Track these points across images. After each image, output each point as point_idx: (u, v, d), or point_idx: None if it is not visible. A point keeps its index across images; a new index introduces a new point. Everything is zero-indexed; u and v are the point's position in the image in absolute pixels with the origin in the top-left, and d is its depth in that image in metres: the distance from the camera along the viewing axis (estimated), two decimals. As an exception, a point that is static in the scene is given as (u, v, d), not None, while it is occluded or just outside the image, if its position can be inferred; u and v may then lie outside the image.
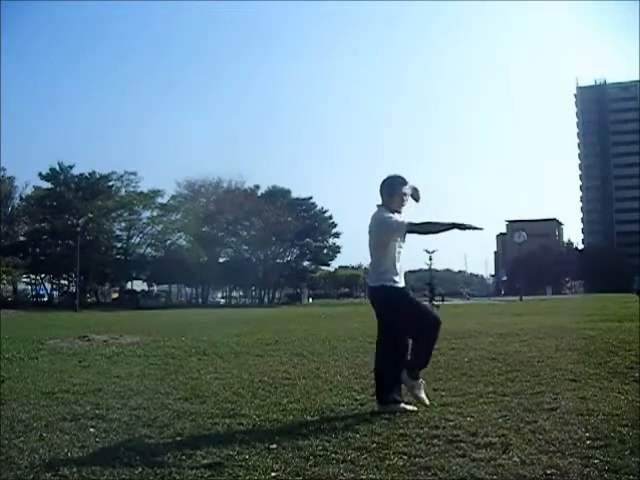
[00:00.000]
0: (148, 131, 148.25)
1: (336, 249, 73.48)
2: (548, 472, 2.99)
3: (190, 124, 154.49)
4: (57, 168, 59.74)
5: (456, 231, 4.39)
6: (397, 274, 4.57)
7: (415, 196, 5.07)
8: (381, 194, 4.71)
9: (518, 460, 3.17)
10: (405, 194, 4.72)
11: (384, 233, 4.56)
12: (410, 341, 4.60)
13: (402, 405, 4.47)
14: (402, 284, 4.60)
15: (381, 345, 4.68)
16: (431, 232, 4.55)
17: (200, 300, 66.87)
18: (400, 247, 4.61)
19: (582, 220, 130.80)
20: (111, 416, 4.51)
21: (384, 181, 4.72)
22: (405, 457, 3.30)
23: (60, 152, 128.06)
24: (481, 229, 4.47)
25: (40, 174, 59.55)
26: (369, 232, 4.70)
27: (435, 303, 31.31)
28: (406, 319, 4.53)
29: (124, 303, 54.74)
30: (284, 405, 4.79)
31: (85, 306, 49.98)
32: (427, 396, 4.63)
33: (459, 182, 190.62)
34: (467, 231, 4.40)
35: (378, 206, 4.70)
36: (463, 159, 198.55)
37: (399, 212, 4.66)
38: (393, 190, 4.67)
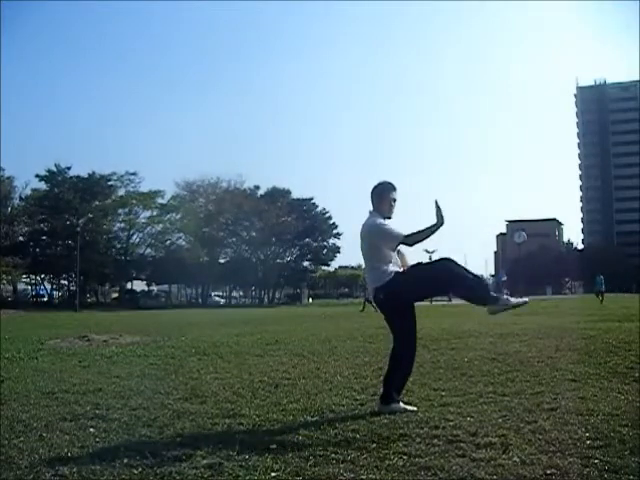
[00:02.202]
0: (148, 131, 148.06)
1: (336, 249, 73.60)
2: (548, 472, 2.99)
3: (190, 124, 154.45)
4: (54, 169, 59.73)
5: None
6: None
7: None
8: (372, 200, 4.78)
9: (518, 460, 3.16)
10: (394, 199, 4.78)
11: (379, 240, 4.60)
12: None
13: (402, 405, 4.48)
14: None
15: (393, 344, 4.67)
16: (420, 241, 4.54)
17: (200, 300, 66.88)
18: (393, 252, 4.67)
19: (582, 220, 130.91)
20: (111, 416, 4.50)
21: (374, 188, 4.79)
22: (405, 457, 3.29)
23: (60, 152, 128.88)
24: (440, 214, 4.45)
25: (37, 175, 59.56)
26: (362, 237, 4.72)
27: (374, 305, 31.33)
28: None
29: (124, 303, 54.78)
30: (284, 405, 4.79)
31: (85, 306, 50.04)
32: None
33: (459, 182, 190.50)
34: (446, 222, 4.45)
35: (370, 212, 4.77)
36: (463, 159, 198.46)
37: (389, 217, 4.73)
38: (382, 195, 4.75)
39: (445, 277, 4.39)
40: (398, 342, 4.64)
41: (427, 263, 4.81)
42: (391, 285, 4.47)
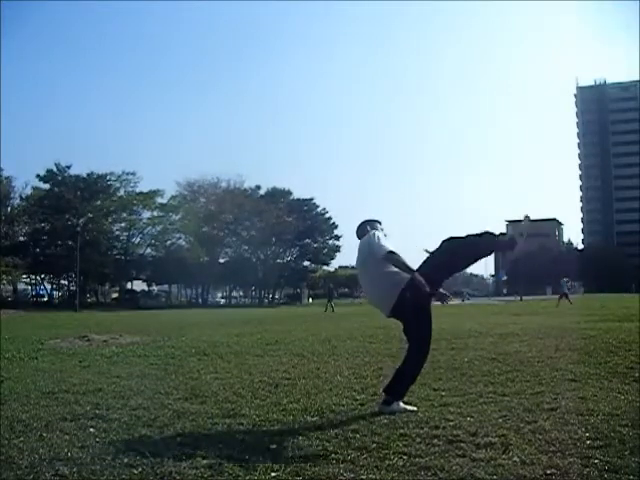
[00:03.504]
0: (148, 131, 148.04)
1: (336, 249, 73.66)
2: (548, 472, 2.99)
3: (190, 124, 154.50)
4: (54, 169, 59.67)
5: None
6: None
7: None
8: (359, 233, 4.89)
9: (518, 460, 3.17)
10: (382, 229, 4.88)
11: (377, 245, 4.56)
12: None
13: (402, 405, 4.48)
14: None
15: (411, 346, 4.65)
16: (394, 266, 4.51)
17: (200, 300, 66.86)
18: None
19: (582, 220, 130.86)
20: (111, 416, 4.50)
21: (362, 223, 4.92)
22: (405, 457, 3.29)
23: (60, 152, 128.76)
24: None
25: (38, 175, 59.48)
26: (365, 252, 4.70)
27: (332, 305, 32.55)
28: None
29: (124, 303, 54.75)
30: (284, 405, 4.79)
31: (85, 306, 50.02)
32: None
33: (459, 182, 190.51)
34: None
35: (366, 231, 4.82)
36: (463, 159, 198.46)
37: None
38: (373, 225, 4.88)
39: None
40: (416, 344, 4.59)
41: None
42: (413, 284, 4.41)
